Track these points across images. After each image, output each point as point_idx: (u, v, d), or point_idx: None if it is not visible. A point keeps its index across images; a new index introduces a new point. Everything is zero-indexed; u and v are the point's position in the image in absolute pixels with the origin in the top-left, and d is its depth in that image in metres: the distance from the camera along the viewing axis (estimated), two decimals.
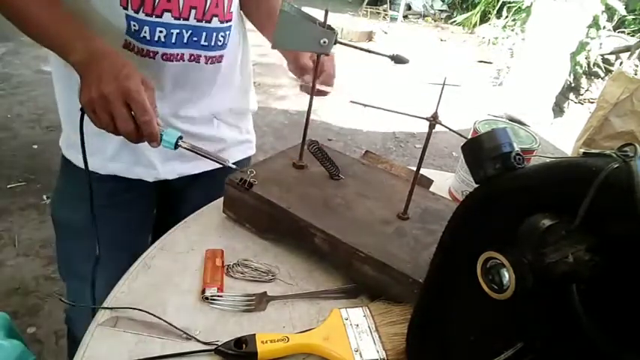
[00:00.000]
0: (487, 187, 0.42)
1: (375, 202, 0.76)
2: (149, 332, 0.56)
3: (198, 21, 0.77)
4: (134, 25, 0.73)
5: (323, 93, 0.88)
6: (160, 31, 0.75)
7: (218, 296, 0.62)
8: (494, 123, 0.98)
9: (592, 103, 4.27)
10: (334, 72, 0.89)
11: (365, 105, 0.68)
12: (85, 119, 0.66)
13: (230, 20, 0.83)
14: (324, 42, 0.68)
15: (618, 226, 0.32)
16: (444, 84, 0.66)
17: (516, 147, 0.41)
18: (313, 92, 0.76)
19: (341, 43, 0.70)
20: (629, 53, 4.05)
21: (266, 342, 0.55)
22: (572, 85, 4.52)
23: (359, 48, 0.75)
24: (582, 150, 0.37)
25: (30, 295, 1.69)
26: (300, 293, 0.66)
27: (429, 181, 0.89)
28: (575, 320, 0.35)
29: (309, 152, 0.77)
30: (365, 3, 7.25)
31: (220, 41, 0.83)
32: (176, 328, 0.57)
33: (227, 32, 0.83)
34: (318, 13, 0.72)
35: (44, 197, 2.20)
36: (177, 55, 0.79)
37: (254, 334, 0.56)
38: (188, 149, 0.66)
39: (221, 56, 0.85)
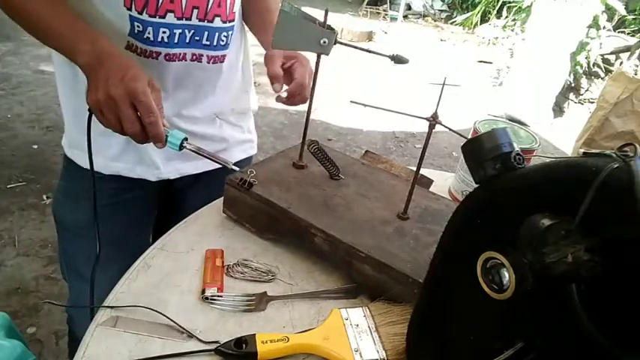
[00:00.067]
0: (487, 187, 0.42)
1: (375, 202, 0.76)
2: (149, 332, 0.56)
3: (200, 21, 0.77)
4: (138, 26, 0.74)
5: (296, 102, 0.83)
6: (163, 32, 0.75)
7: (218, 296, 0.62)
8: (494, 123, 0.98)
9: (592, 103, 4.28)
10: (308, 80, 0.82)
11: (365, 105, 0.68)
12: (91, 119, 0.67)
13: (233, 20, 0.83)
14: (324, 42, 0.68)
15: (618, 226, 0.32)
16: (443, 84, 0.66)
17: (516, 147, 0.41)
18: (313, 93, 0.76)
19: (341, 43, 0.70)
20: (629, 53, 4.05)
21: (266, 342, 0.55)
22: (572, 85, 4.53)
23: (359, 48, 0.75)
24: (582, 150, 0.37)
25: (30, 295, 1.69)
26: (300, 293, 0.66)
27: (429, 181, 0.89)
28: (575, 320, 0.35)
29: (309, 152, 0.77)
30: (365, 3, 7.25)
31: (223, 41, 0.83)
32: (178, 325, 0.57)
33: (230, 32, 0.83)
34: (318, 13, 0.72)
35: (44, 197, 2.20)
36: (180, 54, 0.79)
37: (254, 334, 0.56)
38: (193, 151, 0.67)
39: (223, 56, 0.85)
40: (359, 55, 0.80)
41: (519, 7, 5.52)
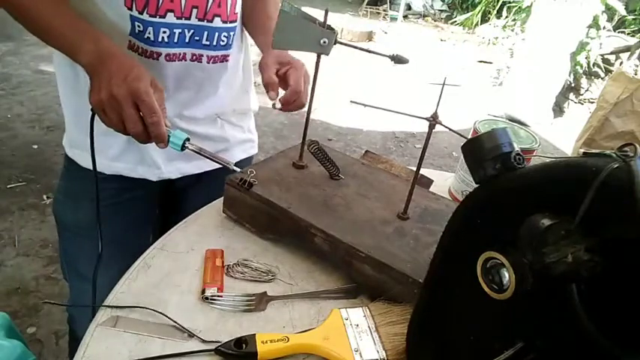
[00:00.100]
0: (487, 187, 0.42)
1: (375, 202, 0.76)
2: (149, 332, 0.56)
3: (199, 20, 0.78)
4: (138, 26, 0.74)
5: (292, 108, 0.81)
6: (164, 32, 0.75)
7: (218, 296, 0.62)
8: (495, 123, 0.98)
9: (592, 103, 4.28)
10: (304, 86, 0.80)
11: (365, 105, 0.68)
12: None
13: (235, 21, 0.83)
14: (324, 42, 0.68)
15: (618, 226, 0.32)
16: (443, 84, 0.66)
17: (516, 147, 0.41)
18: (313, 93, 0.76)
19: (341, 43, 0.70)
20: (629, 53, 4.06)
21: (266, 342, 0.55)
22: (572, 85, 4.53)
23: (359, 48, 0.75)
24: (582, 150, 0.37)
25: (30, 295, 1.69)
26: (300, 293, 0.66)
27: (429, 181, 0.89)
28: (575, 320, 0.35)
29: (309, 152, 0.77)
30: (365, 3, 7.25)
31: (223, 41, 0.83)
32: (179, 325, 0.57)
33: (231, 33, 0.83)
34: (318, 13, 0.72)
35: (44, 197, 2.20)
36: (180, 54, 0.79)
37: (254, 334, 0.56)
38: (195, 151, 0.67)
39: (224, 56, 0.85)
40: (359, 55, 0.80)
41: (519, 7, 5.52)
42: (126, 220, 0.91)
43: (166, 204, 1.01)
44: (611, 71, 4.20)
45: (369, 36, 5.86)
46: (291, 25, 0.67)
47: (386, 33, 6.29)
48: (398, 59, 0.69)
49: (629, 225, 0.32)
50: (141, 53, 0.77)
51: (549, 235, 0.34)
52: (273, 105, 0.80)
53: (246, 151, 1.03)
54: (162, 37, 0.76)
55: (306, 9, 0.71)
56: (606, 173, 0.32)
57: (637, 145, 0.33)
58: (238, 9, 0.83)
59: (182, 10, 0.75)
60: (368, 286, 0.66)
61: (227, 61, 0.87)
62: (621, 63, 4.17)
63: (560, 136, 3.77)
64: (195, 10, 0.76)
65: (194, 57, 0.81)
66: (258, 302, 0.63)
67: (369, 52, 0.73)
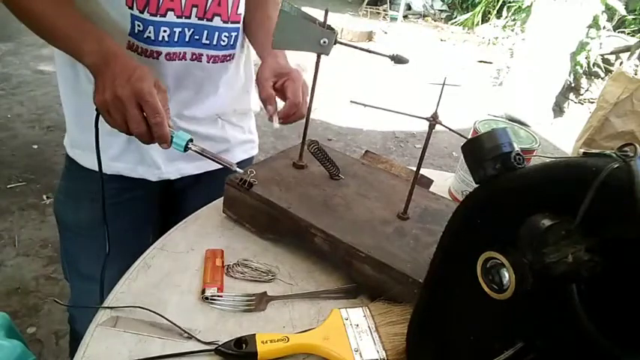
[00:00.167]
0: (487, 187, 0.42)
1: (375, 202, 0.76)
2: (149, 332, 0.56)
3: (199, 19, 0.78)
4: (139, 26, 0.74)
5: (291, 121, 0.80)
6: (164, 31, 0.75)
7: (218, 296, 0.62)
8: (495, 123, 0.98)
9: (592, 103, 4.28)
10: (303, 97, 0.79)
11: (365, 105, 0.68)
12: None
13: (237, 22, 0.83)
14: (324, 42, 0.68)
15: (618, 226, 0.32)
16: (443, 84, 0.66)
17: (516, 147, 0.41)
18: (313, 93, 0.76)
19: (341, 43, 0.70)
20: (629, 53, 4.06)
21: (266, 342, 0.55)
22: (572, 85, 4.53)
23: (359, 48, 0.75)
24: (582, 150, 0.37)
25: (30, 295, 1.70)
26: (300, 293, 0.66)
27: (429, 181, 0.89)
28: (575, 320, 0.35)
29: (309, 152, 0.77)
30: (365, 3, 7.25)
31: (224, 41, 0.83)
32: (178, 326, 0.57)
33: (233, 33, 0.83)
34: (318, 13, 0.72)
35: (44, 197, 2.20)
36: (180, 53, 0.79)
37: (254, 334, 0.56)
38: (198, 152, 0.67)
39: (224, 56, 0.85)
40: (359, 55, 0.80)
41: (519, 7, 5.52)
42: (126, 220, 0.91)
43: (166, 204, 1.01)
44: (611, 71, 4.20)
45: (369, 36, 5.86)
46: (291, 25, 0.67)
47: (386, 33, 6.29)
48: (398, 59, 0.69)
49: (629, 225, 0.32)
50: (140, 53, 0.77)
51: (549, 235, 0.34)
52: (270, 118, 0.78)
53: (247, 152, 1.03)
54: (163, 36, 0.76)
55: (306, 9, 0.71)
56: (606, 173, 0.32)
57: (637, 145, 0.33)
58: (241, 10, 0.83)
59: (182, 8, 0.75)
60: (368, 286, 0.66)
61: (228, 61, 0.87)
62: (621, 63, 4.17)
63: (560, 136, 3.77)
64: (195, 9, 0.76)
65: (194, 56, 0.81)
66: (258, 302, 0.63)
67: (369, 52, 0.73)
